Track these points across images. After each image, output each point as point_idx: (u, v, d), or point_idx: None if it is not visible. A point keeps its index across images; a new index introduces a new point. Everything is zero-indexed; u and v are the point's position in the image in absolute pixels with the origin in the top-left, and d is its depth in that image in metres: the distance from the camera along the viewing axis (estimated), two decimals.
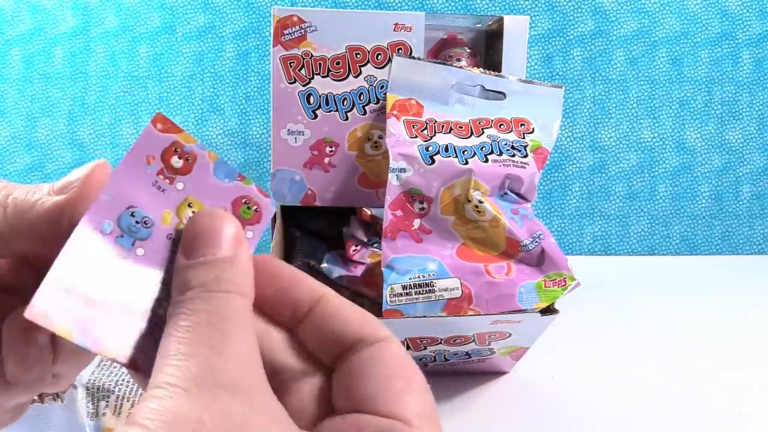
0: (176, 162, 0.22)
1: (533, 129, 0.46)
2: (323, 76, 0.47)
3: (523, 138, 0.45)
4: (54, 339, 0.22)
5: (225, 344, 0.17)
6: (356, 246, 0.50)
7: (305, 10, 0.47)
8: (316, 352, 0.20)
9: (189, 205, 0.22)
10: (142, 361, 0.19)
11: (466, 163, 0.43)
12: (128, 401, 0.36)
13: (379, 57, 0.48)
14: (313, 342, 0.20)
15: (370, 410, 0.18)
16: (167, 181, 0.22)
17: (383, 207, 0.43)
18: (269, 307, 0.21)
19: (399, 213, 0.43)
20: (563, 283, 0.41)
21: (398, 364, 0.19)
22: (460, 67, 0.47)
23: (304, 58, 0.47)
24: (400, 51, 0.48)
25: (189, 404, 0.15)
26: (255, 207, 0.22)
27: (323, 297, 0.21)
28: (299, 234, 0.54)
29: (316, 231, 0.54)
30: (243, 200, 0.22)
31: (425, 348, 0.43)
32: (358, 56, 0.47)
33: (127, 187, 0.21)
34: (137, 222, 0.21)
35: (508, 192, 0.44)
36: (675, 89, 0.90)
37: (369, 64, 0.47)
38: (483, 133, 0.45)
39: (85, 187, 0.20)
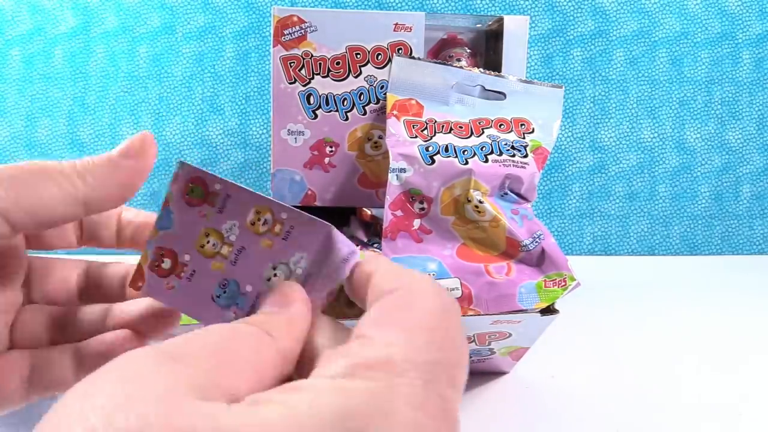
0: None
1: (533, 129, 0.46)
2: (323, 76, 0.47)
3: (523, 138, 0.45)
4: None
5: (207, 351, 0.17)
6: (356, 246, 0.50)
7: (305, 10, 0.47)
8: None
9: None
10: None
11: (466, 163, 0.43)
12: None
13: (379, 57, 0.48)
14: None
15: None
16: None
17: (383, 207, 0.43)
18: None
19: (399, 213, 0.43)
20: (563, 283, 0.41)
21: (399, 297, 0.19)
22: (460, 67, 0.47)
23: (304, 58, 0.47)
24: (400, 51, 0.48)
25: None
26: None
27: (372, 274, 0.21)
28: None
29: None
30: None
31: None
32: (358, 56, 0.47)
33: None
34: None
35: (508, 192, 0.44)
36: (675, 89, 0.90)
37: (369, 64, 0.47)
38: (483, 133, 0.45)
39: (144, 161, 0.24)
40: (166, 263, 0.23)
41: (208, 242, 0.23)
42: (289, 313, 0.20)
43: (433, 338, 0.17)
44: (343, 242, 0.22)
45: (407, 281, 0.19)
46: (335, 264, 0.22)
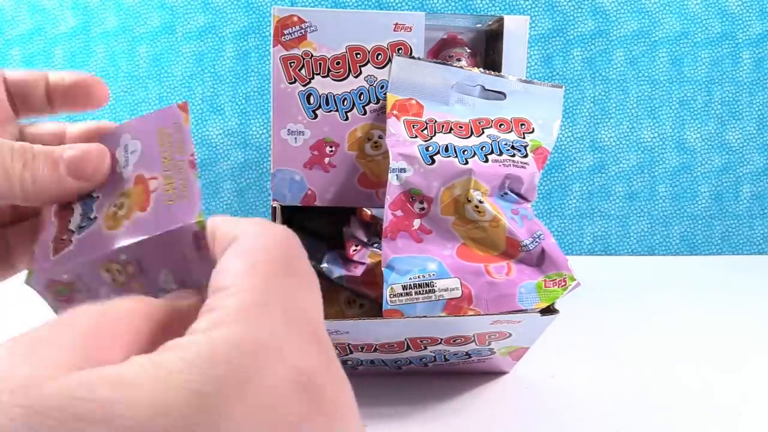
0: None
1: (533, 129, 0.46)
2: (323, 76, 0.47)
3: (523, 138, 0.45)
4: None
5: None
6: (356, 246, 0.50)
7: (305, 10, 0.47)
8: None
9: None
10: None
11: (466, 163, 0.43)
12: None
13: (379, 57, 0.48)
14: None
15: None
16: None
17: (383, 207, 0.43)
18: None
19: (399, 213, 0.43)
20: (563, 283, 0.41)
21: (241, 244, 0.19)
22: (460, 67, 0.47)
23: (304, 58, 0.47)
24: (400, 51, 0.48)
25: None
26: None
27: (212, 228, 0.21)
28: (299, 234, 0.53)
29: (316, 231, 0.54)
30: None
31: (425, 348, 0.43)
32: (358, 56, 0.47)
33: None
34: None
35: (508, 192, 0.44)
36: (675, 89, 0.90)
37: (369, 64, 0.47)
38: (483, 133, 0.45)
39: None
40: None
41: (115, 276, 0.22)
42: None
43: (277, 269, 0.18)
44: (179, 232, 0.21)
45: (243, 226, 0.20)
46: (194, 253, 0.22)
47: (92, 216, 0.22)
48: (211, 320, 0.16)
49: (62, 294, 0.22)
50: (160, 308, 0.19)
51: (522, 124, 0.46)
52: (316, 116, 0.48)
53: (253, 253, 0.18)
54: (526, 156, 0.44)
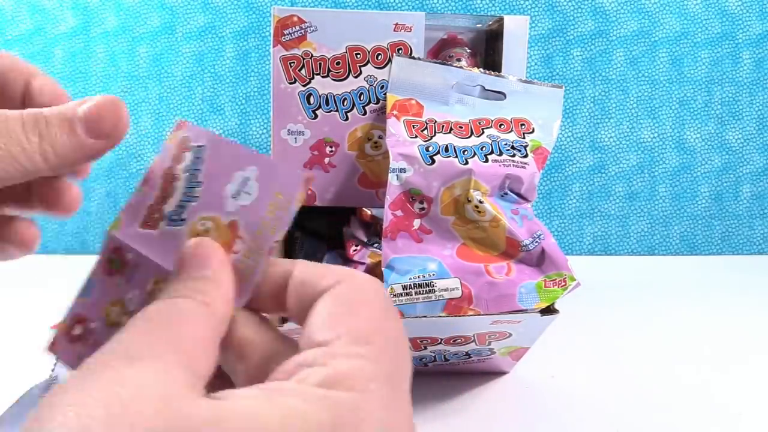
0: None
1: (533, 129, 0.46)
2: (323, 76, 0.47)
3: (523, 138, 0.45)
4: None
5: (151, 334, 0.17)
6: (356, 246, 0.50)
7: (305, 10, 0.47)
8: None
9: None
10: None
11: (466, 163, 0.43)
12: None
13: (379, 57, 0.48)
14: (297, 319, 0.20)
15: (306, 348, 0.18)
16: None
17: (383, 207, 0.43)
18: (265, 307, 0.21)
19: (399, 213, 0.43)
20: (563, 283, 0.41)
21: (343, 296, 0.19)
22: (460, 67, 0.47)
23: (304, 58, 0.47)
24: (400, 51, 0.48)
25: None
26: None
27: (291, 273, 0.21)
28: (299, 234, 0.54)
29: (316, 231, 0.54)
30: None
31: (425, 348, 0.43)
32: (358, 56, 0.47)
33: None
34: None
35: (508, 192, 0.44)
36: (675, 89, 0.90)
37: (369, 64, 0.47)
38: (483, 133, 0.45)
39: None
40: (78, 329, 0.22)
41: (113, 311, 0.22)
42: (214, 274, 0.20)
43: (387, 340, 0.18)
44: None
45: (341, 274, 0.20)
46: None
47: (184, 216, 0.22)
48: (325, 378, 0.16)
49: (113, 266, 0.22)
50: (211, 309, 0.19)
51: (522, 124, 0.46)
52: (316, 116, 0.48)
53: (359, 312, 0.19)
54: (526, 156, 0.44)
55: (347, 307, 0.19)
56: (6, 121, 0.21)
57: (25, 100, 0.25)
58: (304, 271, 0.20)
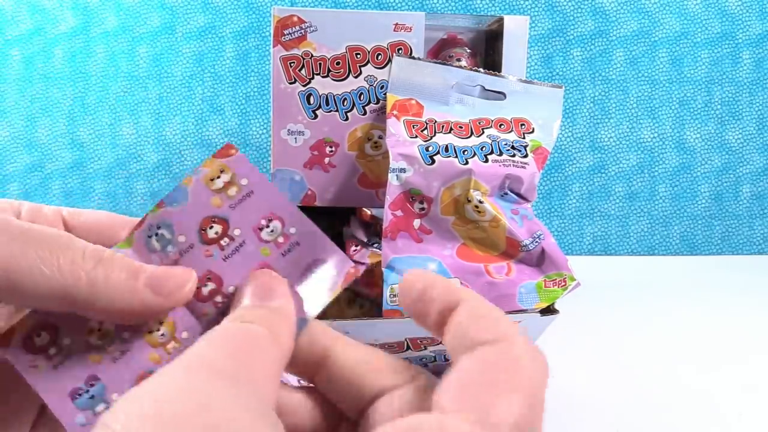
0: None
1: (533, 129, 0.46)
2: (323, 76, 0.47)
3: (523, 138, 0.45)
4: None
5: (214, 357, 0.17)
6: (356, 246, 0.50)
7: (305, 10, 0.47)
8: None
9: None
10: None
11: (466, 163, 0.43)
12: None
13: (379, 57, 0.48)
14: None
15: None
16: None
17: (383, 207, 0.43)
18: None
19: (399, 213, 0.43)
20: (563, 283, 0.41)
21: (490, 362, 0.16)
22: (460, 67, 0.47)
23: (304, 58, 0.47)
24: (400, 51, 0.47)
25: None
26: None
27: (458, 305, 0.19)
28: None
29: None
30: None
31: (425, 348, 0.43)
32: (358, 56, 0.47)
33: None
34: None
35: (508, 192, 0.44)
36: (675, 89, 0.90)
37: (369, 64, 0.47)
38: (483, 133, 0.45)
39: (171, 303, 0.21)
40: (43, 339, 0.21)
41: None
42: (281, 306, 0.20)
43: (534, 417, 0.16)
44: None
45: (503, 332, 0.17)
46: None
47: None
48: None
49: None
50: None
51: (522, 124, 0.46)
52: (316, 116, 0.48)
53: (496, 387, 0.16)
54: (526, 156, 0.44)
55: (485, 378, 0.16)
56: (70, 239, 0.19)
57: None
58: (470, 311, 0.18)
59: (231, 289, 0.22)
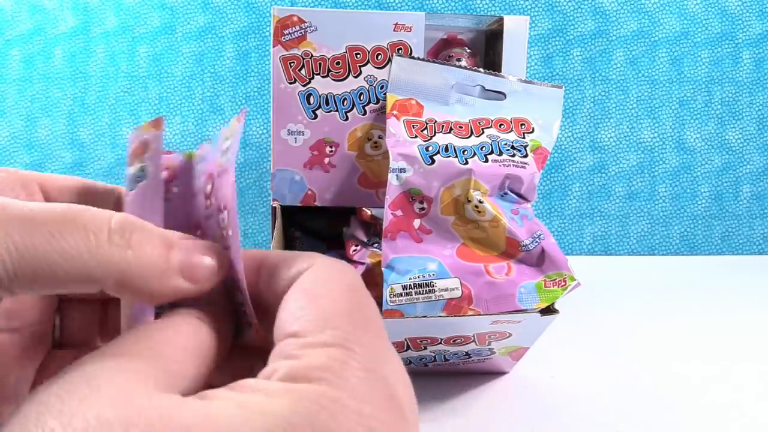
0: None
1: (533, 129, 0.46)
2: (323, 76, 0.47)
3: (523, 138, 0.45)
4: None
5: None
6: (356, 246, 0.50)
7: (305, 10, 0.47)
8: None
9: None
10: None
11: (466, 163, 0.43)
12: None
13: (379, 57, 0.48)
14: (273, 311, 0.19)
15: (278, 341, 0.18)
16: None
17: (383, 207, 0.43)
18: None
19: (399, 213, 0.43)
20: (563, 283, 0.41)
21: (309, 282, 0.19)
22: (460, 67, 0.47)
23: (304, 58, 0.47)
24: (400, 51, 0.47)
25: None
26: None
27: (263, 263, 0.20)
28: (299, 234, 0.54)
29: (316, 231, 0.54)
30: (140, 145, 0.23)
31: (425, 348, 0.43)
32: (358, 56, 0.47)
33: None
34: None
35: (508, 192, 0.44)
36: (675, 89, 0.90)
37: (369, 64, 0.47)
38: (483, 133, 0.45)
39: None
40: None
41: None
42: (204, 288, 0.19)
43: (353, 320, 0.17)
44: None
45: (308, 260, 0.20)
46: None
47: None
48: (291, 371, 0.16)
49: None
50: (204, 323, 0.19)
51: (522, 124, 0.46)
52: (316, 116, 0.48)
53: (326, 298, 0.18)
54: (526, 156, 0.44)
55: (311, 293, 0.18)
56: (93, 213, 0.17)
57: None
58: (274, 260, 0.20)
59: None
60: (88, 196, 0.24)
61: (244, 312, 0.20)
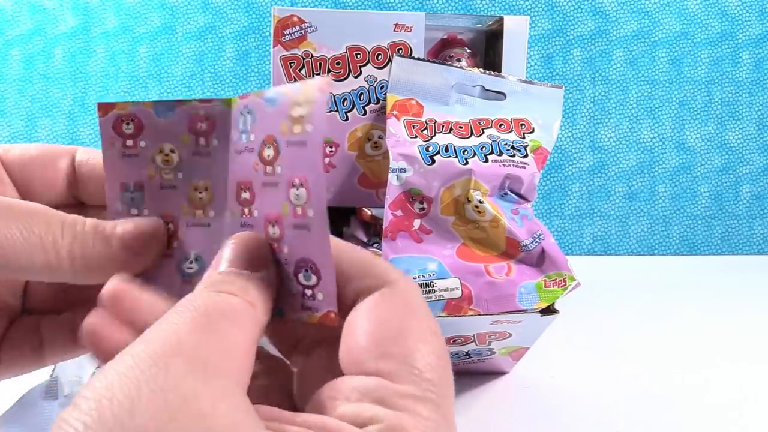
0: (126, 128, 0.23)
1: (533, 129, 0.46)
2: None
3: (523, 138, 0.45)
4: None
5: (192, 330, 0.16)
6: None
7: (305, 11, 0.47)
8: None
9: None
10: None
11: (466, 163, 0.43)
12: None
13: (379, 57, 0.48)
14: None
15: (356, 371, 0.17)
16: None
17: (383, 207, 0.43)
18: None
19: (399, 213, 0.43)
20: (563, 284, 0.41)
21: (389, 310, 0.18)
22: (460, 67, 0.47)
23: (304, 59, 0.47)
24: (400, 51, 0.48)
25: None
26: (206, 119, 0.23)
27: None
28: None
29: None
30: (195, 121, 0.23)
31: None
32: (358, 56, 0.47)
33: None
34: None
35: (508, 192, 0.44)
36: (675, 89, 0.90)
37: (369, 65, 0.47)
38: (483, 133, 0.45)
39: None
40: (128, 127, 0.22)
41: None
42: (263, 278, 0.19)
43: (442, 375, 0.18)
44: None
45: (384, 275, 0.18)
46: None
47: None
48: (391, 429, 0.16)
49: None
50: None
51: (522, 124, 0.46)
52: None
53: (416, 339, 0.17)
54: (526, 156, 0.44)
55: (396, 326, 0.17)
56: (47, 214, 0.20)
57: (70, 184, 0.25)
58: (346, 257, 0.19)
59: (256, 213, 0.21)
60: (46, 157, 0.25)
61: (310, 296, 0.19)
